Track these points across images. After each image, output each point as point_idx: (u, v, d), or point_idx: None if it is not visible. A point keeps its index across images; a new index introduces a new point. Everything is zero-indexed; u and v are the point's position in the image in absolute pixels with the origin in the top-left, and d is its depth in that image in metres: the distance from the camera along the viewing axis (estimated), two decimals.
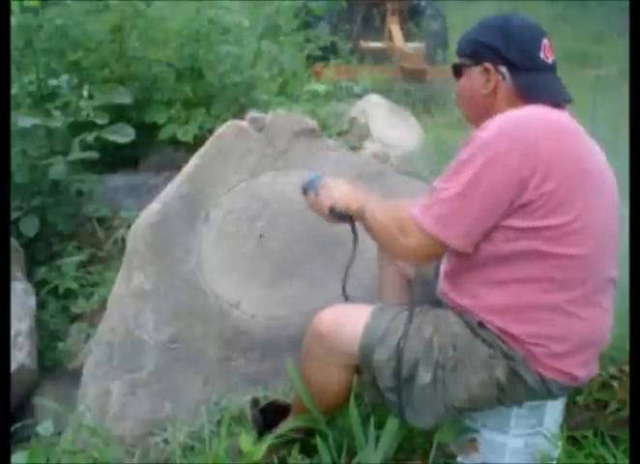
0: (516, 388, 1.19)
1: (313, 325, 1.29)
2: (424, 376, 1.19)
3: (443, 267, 1.31)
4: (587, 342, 1.18)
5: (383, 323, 1.23)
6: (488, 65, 1.21)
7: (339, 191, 1.35)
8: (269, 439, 1.34)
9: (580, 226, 1.11)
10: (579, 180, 1.11)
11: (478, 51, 1.23)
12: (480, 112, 1.24)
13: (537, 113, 1.16)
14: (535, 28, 1.23)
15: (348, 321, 1.26)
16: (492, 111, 1.20)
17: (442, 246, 1.15)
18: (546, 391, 1.19)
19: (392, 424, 1.29)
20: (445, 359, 1.19)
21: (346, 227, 1.44)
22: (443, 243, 1.14)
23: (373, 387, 1.25)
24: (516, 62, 1.19)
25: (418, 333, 1.21)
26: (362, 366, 1.25)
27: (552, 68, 1.22)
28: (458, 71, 1.29)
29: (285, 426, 1.37)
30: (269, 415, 1.44)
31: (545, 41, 1.21)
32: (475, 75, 1.24)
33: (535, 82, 1.20)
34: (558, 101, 1.20)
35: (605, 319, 1.20)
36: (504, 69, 1.20)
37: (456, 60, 1.30)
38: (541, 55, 1.20)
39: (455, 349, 1.19)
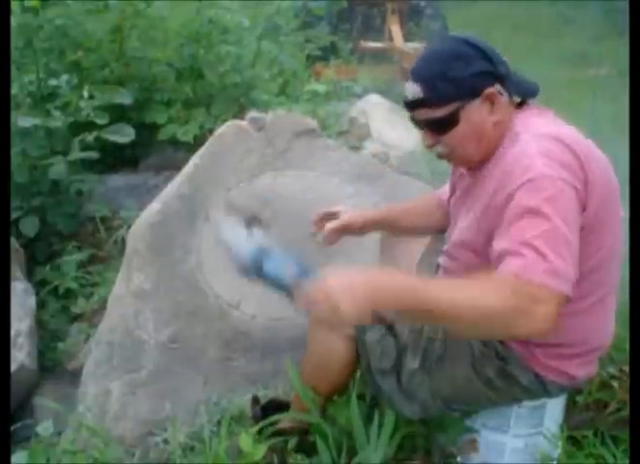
0: (511, 388, 1.19)
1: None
2: (412, 363, 1.21)
3: (442, 262, 1.31)
4: (591, 346, 1.18)
5: None
6: (489, 90, 1.09)
7: (356, 297, 0.94)
8: (269, 438, 1.35)
9: (606, 244, 1.08)
10: (612, 194, 1.08)
11: (470, 85, 1.09)
12: (491, 145, 1.12)
13: (551, 131, 1.06)
14: (480, 38, 1.15)
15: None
16: (497, 139, 1.11)
17: (564, 300, 0.93)
18: (543, 391, 1.19)
19: (389, 420, 1.29)
20: (432, 348, 1.21)
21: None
22: (567, 296, 0.93)
23: (368, 371, 1.27)
24: (502, 72, 1.11)
25: None
26: (358, 348, 1.27)
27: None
28: (452, 120, 1.11)
29: (284, 418, 1.37)
30: (270, 412, 1.44)
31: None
32: (475, 111, 1.10)
33: (519, 83, 1.14)
34: (537, 91, 1.16)
35: (610, 323, 1.20)
36: (498, 86, 1.11)
37: (436, 113, 1.11)
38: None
39: (444, 341, 1.20)
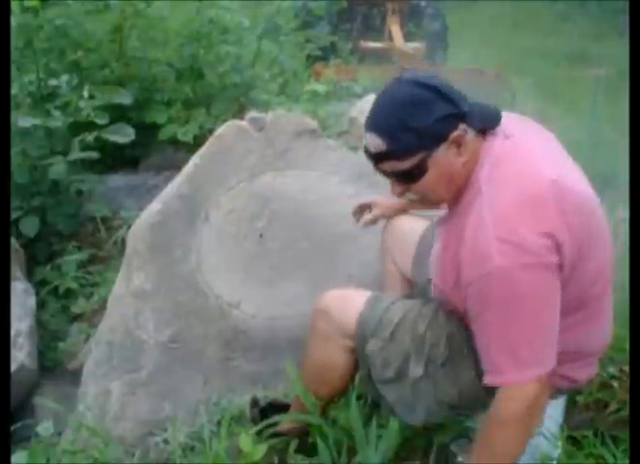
0: None
1: (319, 302, 1.30)
2: (416, 370, 1.20)
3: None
4: (590, 351, 1.18)
5: (376, 313, 1.24)
6: (455, 133, 1.04)
7: None
8: (268, 438, 1.35)
9: (595, 269, 1.08)
10: (590, 224, 1.05)
11: (435, 132, 1.03)
12: (461, 184, 1.09)
13: (517, 174, 1.02)
14: (431, 75, 1.09)
15: (351, 302, 1.27)
16: (465, 176, 1.08)
17: (545, 374, 1.03)
18: None
19: (394, 425, 1.29)
20: (435, 354, 1.20)
21: (346, 227, 1.44)
22: (545, 375, 1.03)
23: (368, 381, 1.26)
24: (465, 109, 1.05)
25: (412, 326, 1.22)
26: (358, 357, 1.26)
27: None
28: (420, 170, 1.06)
29: (283, 420, 1.37)
30: (269, 415, 1.44)
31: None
32: (442, 156, 1.05)
33: (481, 114, 1.07)
34: (499, 119, 1.09)
35: (607, 326, 1.20)
36: (463, 125, 1.05)
37: (403, 164, 1.05)
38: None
39: (448, 346, 1.19)
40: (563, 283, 1.01)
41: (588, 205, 1.06)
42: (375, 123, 1.06)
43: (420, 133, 1.03)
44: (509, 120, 1.12)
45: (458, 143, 1.05)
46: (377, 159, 1.08)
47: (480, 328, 1.05)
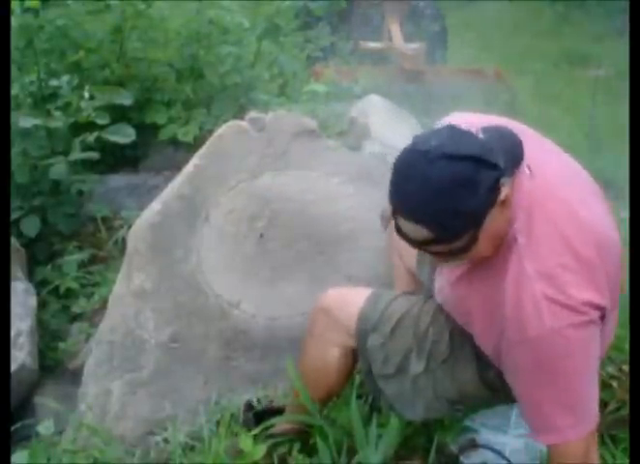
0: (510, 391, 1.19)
1: (318, 301, 1.30)
2: (417, 366, 1.20)
3: (441, 272, 1.25)
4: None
5: (378, 309, 1.24)
6: (502, 195, 0.94)
7: None
8: (267, 439, 1.35)
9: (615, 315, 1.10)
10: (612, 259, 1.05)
11: (486, 207, 0.94)
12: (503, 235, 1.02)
13: (556, 228, 0.97)
14: (460, 129, 0.97)
15: (352, 299, 1.27)
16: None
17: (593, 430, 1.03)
18: None
19: (394, 424, 1.30)
20: (437, 351, 1.20)
21: (346, 227, 1.44)
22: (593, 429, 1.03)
23: (368, 376, 1.26)
24: (505, 165, 0.95)
25: (414, 322, 1.22)
26: (358, 352, 1.26)
27: (484, 131, 0.98)
28: (471, 244, 0.97)
29: (281, 421, 1.38)
30: (265, 419, 1.44)
31: (463, 126, 0.98)
32: (491, 222, 0.96)
33: (504, 153, 0.96)
34: (521, 150, 1.00)
35: (612, 332, 1.19)
36: (505, 179, 0.95)
37: (453, 245, 0.96)
38: (481, 137, 0.97)
39: (450, 343, 1.20)
40: None
41: (618, 252, 1.07)
42: (415, 211, 0.93)
43: (471, 215, 0.93)
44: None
45: (505, 204, 0.96)
46: (423, 244, 0.98)
47: (528, 387, 1.03)
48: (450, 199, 0.91)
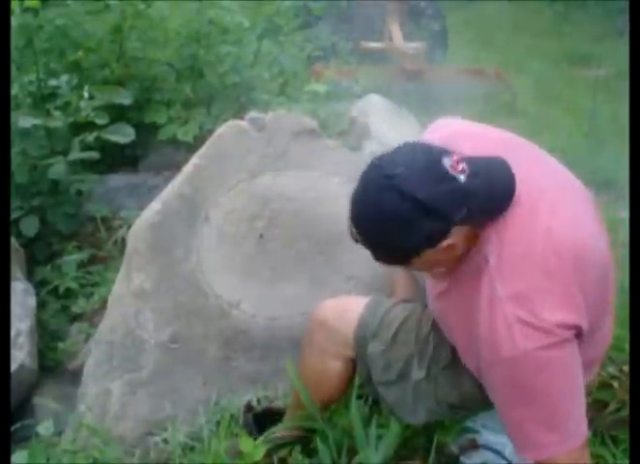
0: None
1: (315, 312, 1.30)
2: (419, 372, 1.20)
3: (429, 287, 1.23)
4: (591, 359, 1.17)
5: (377, 316, 1.23)
6: (443, 243, 0.96)
7: None
8: (266, 440, 1.34)
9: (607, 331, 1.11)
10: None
11: (417, 248, 0.97)
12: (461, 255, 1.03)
13: (532, 237, 0.97)
14: (430, 169, 0.93)
15: (349, 309, 1.27)
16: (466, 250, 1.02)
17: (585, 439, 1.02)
18: None
19: (394, 425, 1.29)
20: (439, 356, 1.20)
21: (345, 226, 1.44)
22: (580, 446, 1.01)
23: (368, 383, 1.25)
24: (459, 217, 0.94)
25: (415, 328, 1.22)
26: (357, 360, 1.25)
27: (475, 173, 0.95)
28: (403, 264, 1.04)
29: (282, 425, 1.37)
30: (265, 421, 1.43)
31: (446, 161, 0.93)
32: (432, 255, 0.99)
33: (482, 210, 0.96)
34: (504, 207, 0.98)
35: (608, 336, 1.19)
36: (455, 228, 0.96)
37: (387, 260, 1.03)
38: (461, 179, 0.93)
39: (451, 349, 1.19)
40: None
41: (603, 259, 1.05)
42: (355, 220, 0.99)
43: (398, 250, 0.98)
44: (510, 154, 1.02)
45: (450, 248, 0.97)
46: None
47: (506, 407, 1.02)
48: (384, 231, 0.95)
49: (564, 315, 0.96)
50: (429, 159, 0.95)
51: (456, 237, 0.97)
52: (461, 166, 0.95)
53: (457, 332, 1.10)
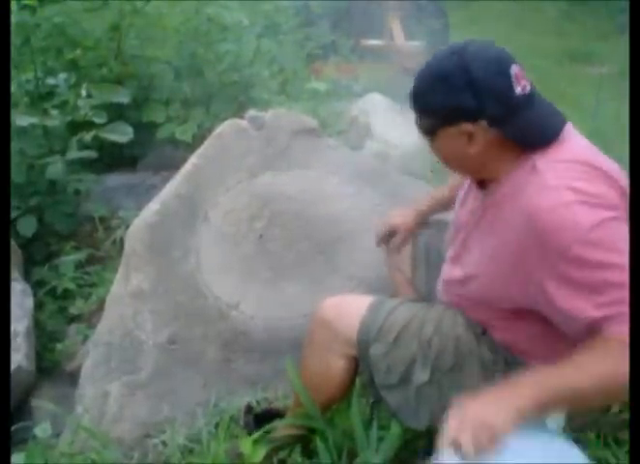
0: None
1: (317, 311, 1.28)
2: (421, 375, 1.18)
3: (447, 268, 1.26)
4: None
5: (379, 318, 1.22)
6: (466, 126, 1.02)
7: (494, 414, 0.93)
8: (266, 442, 1.33)
9: None
10: None
11: (446, 114, 1.04)
12: (479, 169, 1.09)
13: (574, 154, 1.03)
14: (498, 61, 1.01)
15: (351, 308, 1.25)
16: (494, 165, 1.06)
17: None
18: None
19: (395, 427, 1.28)
20: (442, 360, 1.18)
21: (346, 227, 1.42)
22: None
23: (371, 385, 1.24)
24: (494, 113, 1.00)
25: (418, 330, 1.20)
26: (359, 362, 1.24)
27: (532, 97, 1.02)
28: (429, 132, 1.10)
29: (282, 425, 1.36)
30: (265, 422, 1.42)
31: (514, 68, 1.01)
32: (449, 138, 1.06)
33: (523, 129, 1.02)
34: (554, 137, 1.04)
35: None
36: (484, 122, 1.01)
37: (421, 119, 1.11)
38: (517, 90, 1.00)
39: (455, 351, 1.17)
40: None
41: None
42: (417, 74, 1.10)
43: (432, 107, 1.06)
44: None
45: (467, 136, 1.03)
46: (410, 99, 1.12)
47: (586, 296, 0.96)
48: (429, 80, 1.06)
49: (617, 200, 1.00)
50: (501, 56, 1.03)
51: (480, 135, 1.02)
52: (523, 82, 1.02)
53: (486, 263, 1.09)
